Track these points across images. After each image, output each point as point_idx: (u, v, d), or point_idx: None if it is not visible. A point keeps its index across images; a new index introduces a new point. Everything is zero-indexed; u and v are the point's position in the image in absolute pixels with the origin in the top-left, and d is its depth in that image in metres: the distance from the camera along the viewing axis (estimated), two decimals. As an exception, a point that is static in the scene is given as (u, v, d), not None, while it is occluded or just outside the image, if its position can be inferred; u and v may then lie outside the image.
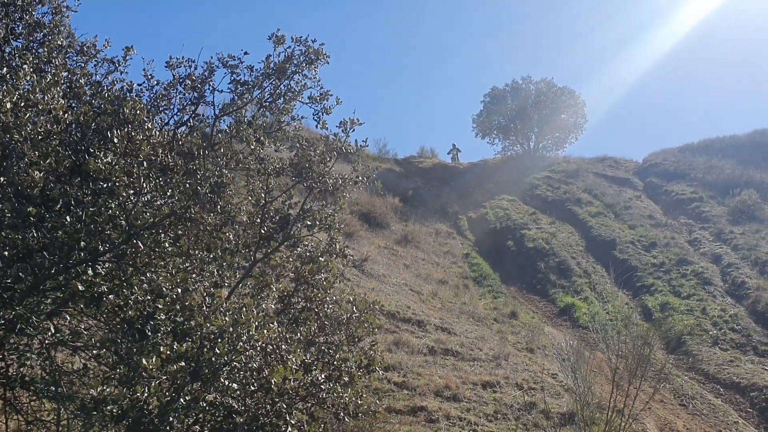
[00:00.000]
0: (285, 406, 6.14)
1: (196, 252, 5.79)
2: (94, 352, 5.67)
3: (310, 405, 6.66)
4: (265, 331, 4.92)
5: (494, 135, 41.19)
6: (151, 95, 7.68)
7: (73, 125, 4.95)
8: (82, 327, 6.04)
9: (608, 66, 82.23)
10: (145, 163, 5.11)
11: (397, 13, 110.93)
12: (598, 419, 11.43)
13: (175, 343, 4.76)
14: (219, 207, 6.33)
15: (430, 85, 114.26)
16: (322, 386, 6.44)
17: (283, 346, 5.35)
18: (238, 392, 5.51)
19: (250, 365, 5.18)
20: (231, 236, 6.43)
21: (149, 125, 5.33)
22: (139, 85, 7.43)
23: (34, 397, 6.43)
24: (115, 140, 4.93)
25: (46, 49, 6.96)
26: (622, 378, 11.46)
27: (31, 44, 7.15)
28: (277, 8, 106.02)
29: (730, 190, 29.09)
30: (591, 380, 11.61)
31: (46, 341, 5.46)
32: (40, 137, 4.74)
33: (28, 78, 5.09)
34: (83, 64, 7.81)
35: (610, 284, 22.08)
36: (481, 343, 15.53)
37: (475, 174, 35.50)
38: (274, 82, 8.19)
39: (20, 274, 5.13)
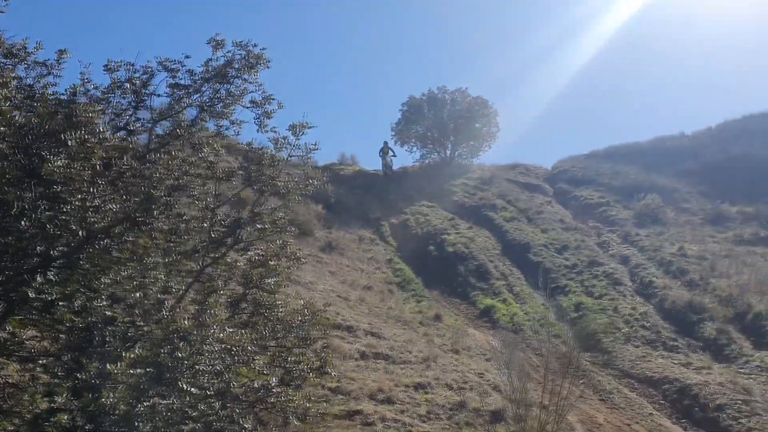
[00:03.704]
0: (237, 411, 6.13)
1: (148, 259, 5.70)
2: (41, 362, 5.48)
3: (260, 409, 6.66)
4: (228, 330, 4.92)
5: (413, 143, 41.73)
6: (88, 99, 7.48)
7: (25, 128, 4.80)
8: (24, 337, 5.82)
9: (525, 78, 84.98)
10: (98, 167, 5.01)
11: (313, 17, 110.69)
12: (526, 416, 11.91)
13: (137, 347, 4.70)
14: (167, 214, 6.23)
15: (349, 93, 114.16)
16: (273, 390, 6.45)
17: (249, 348, 5.34)
18: (188, 398, 5.45)
19: (213, 368, 5.15)
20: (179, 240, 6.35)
21: (102, 128, 5.23)
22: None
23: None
24: (69, 143, 4.82)
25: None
26: (545, 377, 12.00)
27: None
28: (199, 15, 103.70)
29: (634, 194, 30.70)
30: (524, 378, 12.07)
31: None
32: (-11, 140, 4.58)
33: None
34: (12, 67, 7.52)
35: (527, 286, 22.87)
36: (410, 346, 15.79)
37: (396, 181, 35.90)
38: (213, 86, 8.14)
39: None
